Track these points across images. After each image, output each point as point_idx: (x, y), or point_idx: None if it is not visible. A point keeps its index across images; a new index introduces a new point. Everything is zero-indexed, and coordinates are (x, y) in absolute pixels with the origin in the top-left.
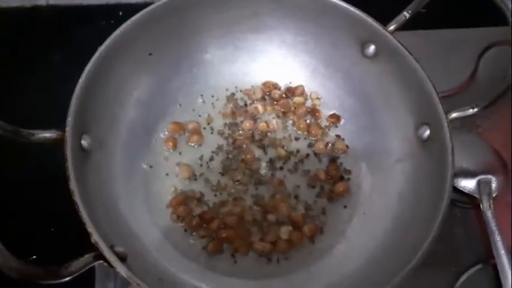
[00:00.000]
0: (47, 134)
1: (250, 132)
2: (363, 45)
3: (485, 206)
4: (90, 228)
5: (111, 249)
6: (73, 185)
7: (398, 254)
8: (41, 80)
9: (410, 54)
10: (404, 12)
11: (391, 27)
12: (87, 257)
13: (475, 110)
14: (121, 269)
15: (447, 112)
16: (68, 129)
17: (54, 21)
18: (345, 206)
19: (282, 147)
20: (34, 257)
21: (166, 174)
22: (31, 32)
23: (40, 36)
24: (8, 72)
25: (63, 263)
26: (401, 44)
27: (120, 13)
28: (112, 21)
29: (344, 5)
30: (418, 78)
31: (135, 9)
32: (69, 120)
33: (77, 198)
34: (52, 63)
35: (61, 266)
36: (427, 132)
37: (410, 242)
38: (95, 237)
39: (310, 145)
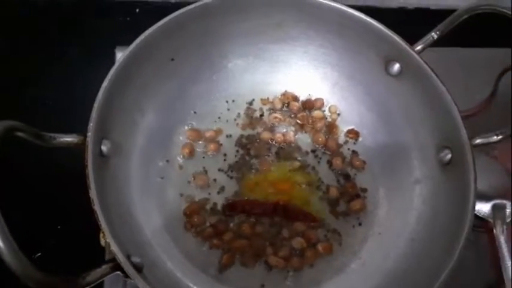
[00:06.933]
0: (68, 139)
1: (268, 142)
2: (387, 63)
3: (499, 230)
4: (109, 238)
5: (129, 260)
6: (93, 194)
7: (414, 279)
8: (55, 75)
9: (437, 76)
10: (433, 33)
11: (418, 47)
12: (105, 267)
13: (500, 137)
14: (139, 281)
15: (471, 138)
16: (90, 134)
17: (71, 13)
18: (360, 225)
19: (298, 160)
20: (39, 254)
21: (182, 182)
22: (48, 24)
23: (56, 28)
24: (20, 66)
25: (67, 261)
26: (428, 65)
27: (137, 10)
28: (128, 18)
29: (370, 20)
30: (443, 100)
31: (152, 7)
32: (91, 125)
33: (97, 207)
34: (68, 58)
35: (78, 276)
36: (449, 156)
37: (427, 268)
38: (114, 248)
39: (326, 160)
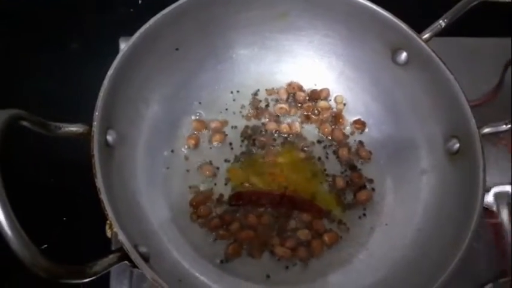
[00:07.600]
0: (74, 128)
1: (273, 133)
2: (394, 52)
3: (503, 218)
4: (116, 227)
5: (136, 249)
6: (99, 183)
7: (421, 269)
8: (60, 66)
9: (445, 64)
10: (440, 21)
11: (426, 36)
12: (112, 257)
13: (509, 126)
14: (147, 271)
15: (479, 127)
16: (95, 124)
17: (75, 5)
18: (366, 215)
19: (304, 150)
20: (45, 245)
21: (187, 172)
22: (51, 16)
23: (60, 20)
24: (24, 57)
25: (73, 253)
26: (436, 54)
27: (140, 1)
28: (132, 9)
29: (377, 8)
30: (451, 89)
31: None
32: (96, 115)
33: (103, 195)
34: (73, 49)
35: (86, 266)
36: (457, 146)
37: (435, 258)
38: (121, 237)
39: (333, 150)
